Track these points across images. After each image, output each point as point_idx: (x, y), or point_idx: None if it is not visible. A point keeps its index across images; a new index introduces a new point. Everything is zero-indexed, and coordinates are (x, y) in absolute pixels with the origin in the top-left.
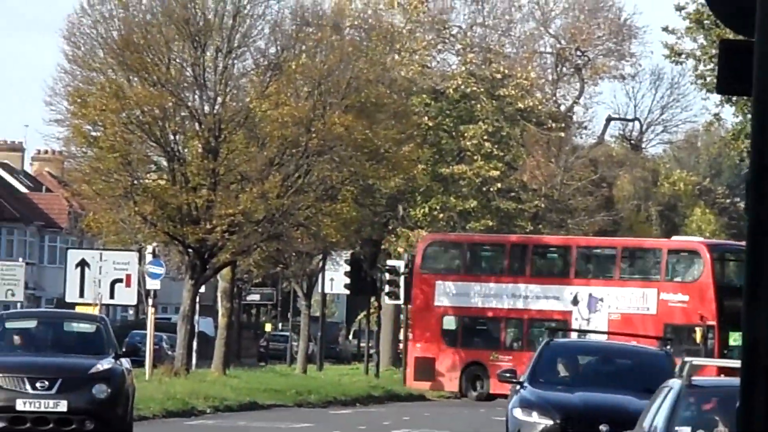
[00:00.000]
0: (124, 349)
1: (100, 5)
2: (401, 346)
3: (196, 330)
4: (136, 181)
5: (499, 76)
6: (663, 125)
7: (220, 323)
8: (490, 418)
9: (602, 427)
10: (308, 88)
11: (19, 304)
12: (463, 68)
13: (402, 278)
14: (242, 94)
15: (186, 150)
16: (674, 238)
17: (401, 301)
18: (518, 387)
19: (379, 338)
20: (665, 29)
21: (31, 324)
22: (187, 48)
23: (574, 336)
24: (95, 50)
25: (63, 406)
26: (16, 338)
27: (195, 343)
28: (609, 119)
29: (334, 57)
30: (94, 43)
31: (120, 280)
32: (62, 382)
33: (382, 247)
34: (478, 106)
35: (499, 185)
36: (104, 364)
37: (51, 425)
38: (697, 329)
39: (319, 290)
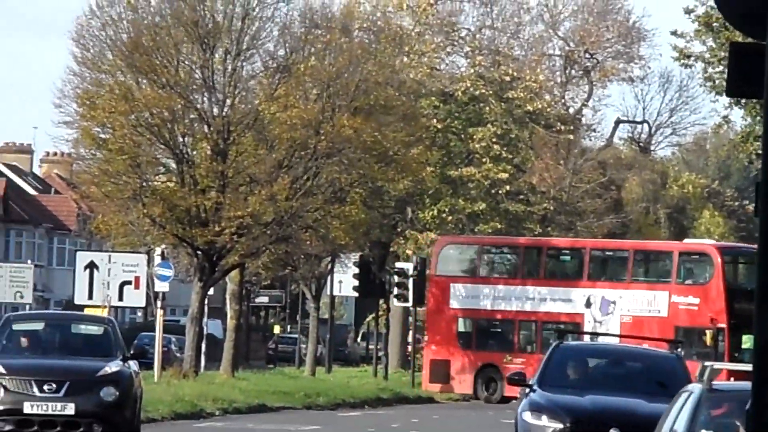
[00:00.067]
0: (131, 352)
1: (109, 7)
2: (410, 348)
3: (205, 332)
4: (144, 184)
5: (507, 78)
6: (672, 128)
7: (229, 325)
8: (498, 421)
9: (612, 431)
10: (317, 90)
11: (27, 306)
12: (472, 71)
13: (411, 280)
14: (251, 97)
15: (195, 152)
16: (686, 240)
17: (410, 304)
18: (527, 390)
19: (388, 340)
20: (674, 33)
21: (39, 326)
22: (196, 50)
23: (586, 339)
24: (104, 52)
25: (70, 409)
26: (23, 340)
27: (204, 345)
28: (618, 122)
29: (343, 59)
30: (103, 46)
31: (129, 282)
32: (70, 385)
33: (391, 249)
34: (487, 108)
35: (507, 188)
36: (112, 367)
37: (58, 428)
38: (708, 332)
39: (328, 292)
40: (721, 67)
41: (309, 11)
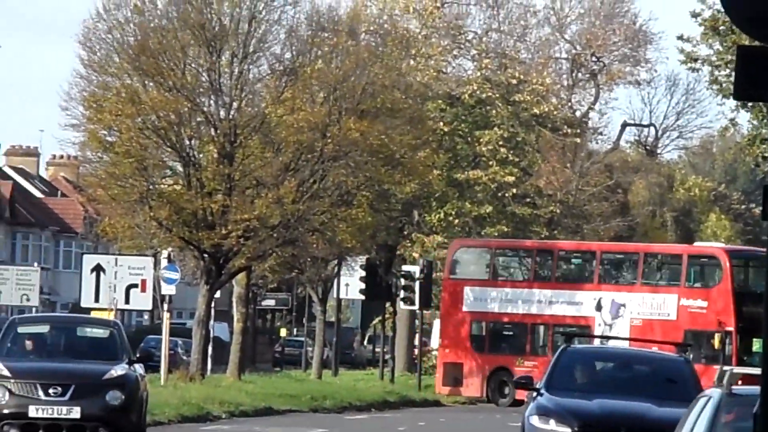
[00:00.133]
0: (137, 355)
1: (116, 10)
2: (416, 351)
3: (211, 335)
4: (151, 186)
5: (514, 81)
6: (678, 131)
7: (235, 328)
8: (506, 424)
9: None
10: (324, 93)
11: (34, 309)
12: (479, 74)
13: (417, 283)
14: (258, 100)
15: (201, 155)
16: (696, 243)
17: (416, 307)
18: (535, 394)
19: (394, 343)
20: (680, 38)
21: (44, 329)
22: (203, 53)
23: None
24: (111, 55)
25: (76, 412)
26: (28, 343)
27: (210, 348)
28: (624, 125)
29: (350, 62)
30: (110, 49)
31: (135, 285)
32: (75, 389)
33: (398, 252)
34: (494, 111)
35: (514, 191)
36: (118, 370)
37: None
38: (716, 335)
39: (334, 295)
40: (727, 71)
41: (316, 14)
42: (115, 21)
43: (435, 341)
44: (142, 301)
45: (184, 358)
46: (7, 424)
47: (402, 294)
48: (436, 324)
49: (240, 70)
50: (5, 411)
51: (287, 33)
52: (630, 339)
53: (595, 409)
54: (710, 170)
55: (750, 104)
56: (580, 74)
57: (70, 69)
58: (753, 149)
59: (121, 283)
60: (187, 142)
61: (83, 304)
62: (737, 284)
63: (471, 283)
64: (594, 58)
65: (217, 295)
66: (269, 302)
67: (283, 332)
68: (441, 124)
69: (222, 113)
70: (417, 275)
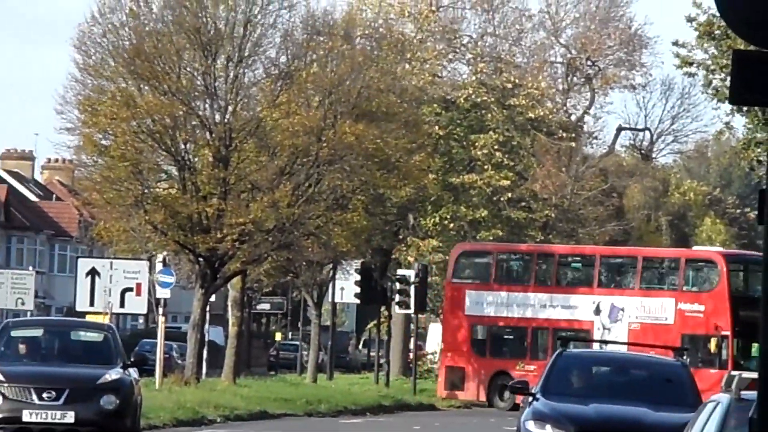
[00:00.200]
0: (132, 359)
1: (111, 14)
2: (411, 355)
3: (206, 339)
4: (146, 190)
5: (509, 85)
6: (673, 135)
7: (231, 332)
8: (500, 428)
9: None
10: (319, 97)
11: (29, 313)
12: (474, 78)
13: (412, 287)
14: (253, 103)
15: (197, 159)
16: (695, 248)
17: (411, 311)
18: (531, 399)
19: (389, 347)
20: (675, 43)
21: (37, 332)
22: (198, 57)
23: (596, 346)
24: (106, 59)
25: (70, 417)
26: (22, 347)
27: (205, 352)
28: (619, 129)
29: (345, 66)
30: (105, 52)
31: (130, 289)
32: (69, 393)
33: (393, 256)
34: (489, 115)
35: (509, 195)
36: (112, 375)
37: None
38: (712, 339)
39: (330, 299)
40: (722, 75)
41: (311, 18)
42: (111, 25)
43: (430, 345)
44: (137, 304)
45: (179, 362)
46: (1, 428)
47: (397, 298)
48: (432, 328)
49: (235, 74)
50: None
51: (282, 37)
52: (627, 343)
53: (592, 414)
54: (705, 174)
55: (745, 108)
56: (575, 78)
57: (65, 72)
58: (748, 153)
59: (116, 286)
60: (183, 146)
61: (78, 308)
62: (734, 288)
63: (472, 287)
64: (589, 62)
65: (212, 298)
66: (264, 306)
67: (278, 336)
68: (436, 128)
69: (217, 117)
70: (412, 279)
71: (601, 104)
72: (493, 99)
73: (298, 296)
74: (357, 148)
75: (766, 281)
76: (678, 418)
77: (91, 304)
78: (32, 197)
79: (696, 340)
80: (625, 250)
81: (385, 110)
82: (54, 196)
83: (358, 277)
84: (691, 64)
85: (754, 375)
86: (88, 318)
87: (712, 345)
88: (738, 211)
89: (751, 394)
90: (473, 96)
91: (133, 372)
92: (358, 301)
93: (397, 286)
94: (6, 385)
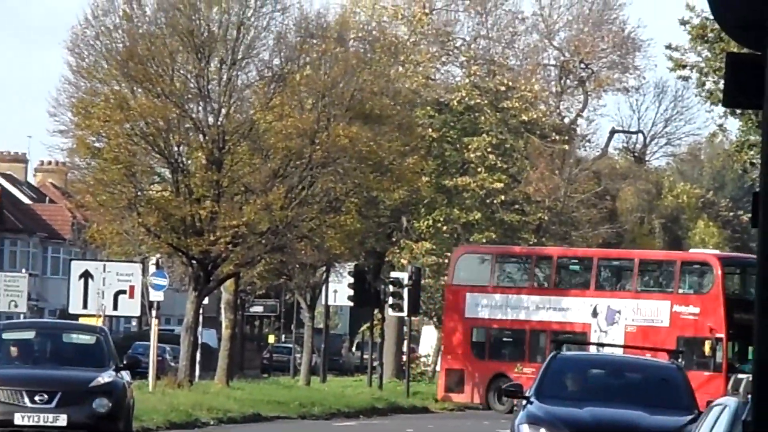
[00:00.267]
0: (124, 362)
1: (104, 17)
2: (405, 358)
3: (200, 341)
4: (139, 193)
5: (502, 88)
6: (666, 138)
7: (224, 335)
8: (494, 431)
9: None
10: (312, 99)
11: (22, 316)
12: (467, 80)
13: (406, 290)
14: (246, 106)
15: (190, 161)
16: (692, 250)
17: (405, 313)
18: (524, 402)
19: (383, 350)
20: (668, 47)
21: (29, 335)
22: (191, 59)
23: (593, 349)
24: (99, 61)
25: (62, 420)
26: (14, 350)
27: (198, 355)
28: (613, 132)
29: (338, 69)
30: (99, 55)
31: (123, 292)
32: (62, 396)
33: (386, 258)
34: (482, 118)
35: (502, 197)
36: (105, 377)
37: None
38: (707, 342)
39: (323, 302)
40: (715, 78)
41: (304, 21)
42: (104, 27)
43: (423, 348)
44: (130, 307)
45: (172, 364)
46: None
47: (390, 300)
48: (425, 331)
49: (228, 77)
50: None
51: (276, 39)
52: (621, 346)
53: (587, 418)
54: (698, 177)
55: (739, 111)
56: (568, 81)
57: (58, 75)
58: (741, 155)
59: (110, 289)
60: (176, 149)
61: (71, 311)
62: (729, 291)
63: (472, 290)
64: (582, 65)
65: (206, 301)
66: (257, 309)
67: (271, 339)
68: (429, 130)
69: (210, 119)
70: (405, 282)
71: (594, 107)
72: (486, 102)
73: (291, 299)
74: (350, 151)
75: (760, 284)
76: (673, 422)
77: (84, 306)
78: (25, 200)
79: (691, 342)
80: (623, 253)
81: (379, 113)
82: (47, 198)
83: (352, 280)
84: (684, 66)
85: None
86: (81, 320)
87: (706, 348)
88: (731, 213)
89: None
90: (466, 99)
91: (126, 375)
92: (351, 303)
93: (391, 288)
94: None
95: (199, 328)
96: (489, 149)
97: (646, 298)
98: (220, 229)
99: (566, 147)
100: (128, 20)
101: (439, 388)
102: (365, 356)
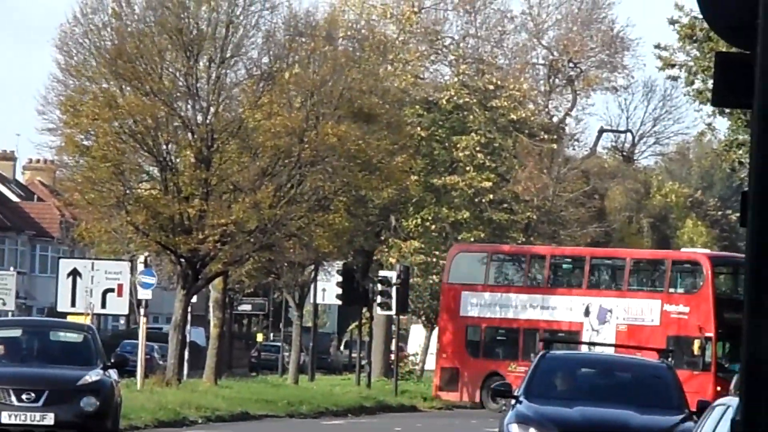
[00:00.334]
0: (112, 360)
1: (93, 15)
2: (393, 357)
3: (188, 340)
4: (128, 191)
5: (491, 87)
6: (655, 137)
7: (212, 333)
8: (481, 430)
9: None
10: (301, 98)
11: (10, 314)
12: (456, 79)
13: (394, 289)
14: (235, 104)
15: (178, 160)
16: (684, 249)
17: (393, 312)
18: (513, 401)
19: (371, 349)
20: (657, 46)
21: (16, 333)
22: (180, 58)
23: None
24: (88, 60)
25: (50, 419)
26: (0, 348)
27: (186, 353)
28: (601, 131)
29: (327, 67)
30: (87, 53)
31: (112, 290)
32: (49, 394)
33: (375, 257)
34: (471, 117)
35: (491, 196)
36: (92, 376)
37: None
38: (696, 341)
39: (311, 300)
40: (704, 77)
41: (293, 19)
42: (93, 25)
43: (412, 347)
44: (118, 305)
45: (161, 362)
46: None
47: (379, 299)
48: (413, 329)
49: (217, 75)
50: None
51: (265, 38)
52: (613, 345)
53: (576, 417)
54: (687, 176)
55: (727, 111)
56: (557, 80)
57: (47, 73)
58: (730, 155)
59: (98, 287)
60: (164, 147)
61: (59, 309)
62: (719, 290)
63: (467, 288)
64: (571, 64)
65: (194, 299)
66: (246, 307)
67: (259, 337)
68: (418, 129)
69: (199, 118)
70: (394, 280)
71: (582, 106)
72: (475, 100)
73: (279, 297)
74: (339, 150)
75: (749, 283)
76: (663, 421)
77: (73, 304)
78: (14, 198)
79: (681, 342)
80: (614, 252)
81: (368, 111)
82: (35, 196)
83: (340, 279)
84: (673, 66)
85: None
86: (70, 318)
87: (695, 347)
88: (719, 213)
89: None
90: (455, 97)
91: (113, 373)
92: (339, 302)
93: (379, 287)
94: None
95: (188, 327)
96: (477, 148)
97: (637, 297)
98: (209, 227)
99: (555, 146)
100: (117, 18)
101: (434, 387)
102: (353, 355)
